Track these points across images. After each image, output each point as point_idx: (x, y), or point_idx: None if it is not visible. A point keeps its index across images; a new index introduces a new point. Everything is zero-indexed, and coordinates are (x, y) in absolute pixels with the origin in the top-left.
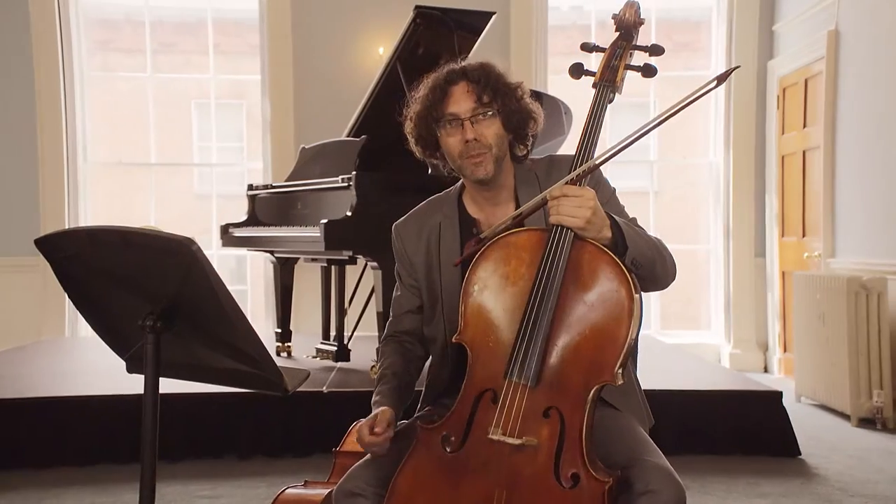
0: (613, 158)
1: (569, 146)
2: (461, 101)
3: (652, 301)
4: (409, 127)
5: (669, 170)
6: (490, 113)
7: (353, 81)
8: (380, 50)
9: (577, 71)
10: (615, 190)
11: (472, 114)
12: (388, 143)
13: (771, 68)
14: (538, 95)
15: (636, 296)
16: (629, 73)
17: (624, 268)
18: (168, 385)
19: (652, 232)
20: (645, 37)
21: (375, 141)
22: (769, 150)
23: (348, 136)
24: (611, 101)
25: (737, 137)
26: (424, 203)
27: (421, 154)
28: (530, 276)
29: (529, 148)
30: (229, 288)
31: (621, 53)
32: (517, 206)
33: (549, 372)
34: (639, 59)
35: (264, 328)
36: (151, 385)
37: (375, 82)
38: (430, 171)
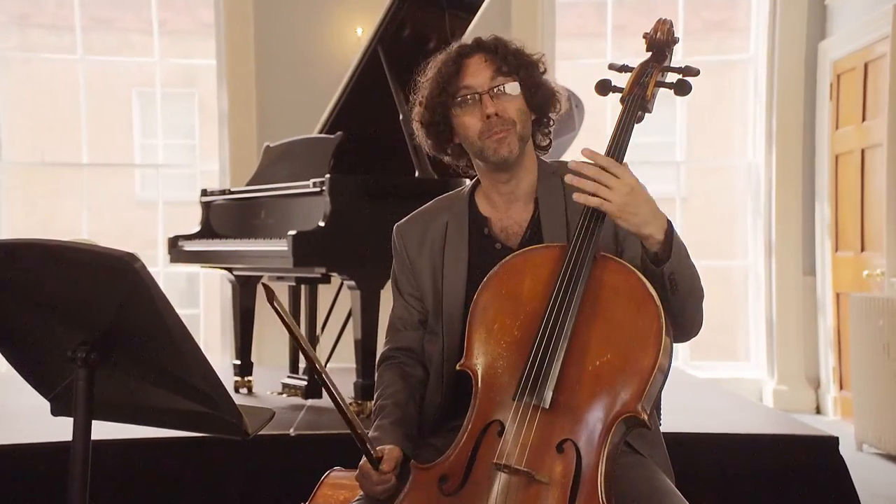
0: (632, 159)
1: (579, 145)
2: (478, 73)
3: None
4: (417, 114)
5: (699, 172)
6: (511, 85)
7: (326, 68)
8: (358, 31)
9: (604, 88)
10: None
11: (491, 85)
12: (369, 141)
13: (823, 50)
14: None
15: (664, 320)
16: (661, 90)
17: (650, 288)
18: (102, 429)
19: None
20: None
21: (353, 138)
22: (820, 147)
23: (321, 132)
24: (640, 121)
25: (781, 133)
26: (431, 202)
27: (432, 148)
28: (546, 296)
29: (551, 137)
30: (179, 312)
31: (651, 73)
32: (536, 209)
33: (566, 396)
34: (672, 76)
35: (220, 360)
36: (82, 429)
37: (353, 69)
38: (417, 173)
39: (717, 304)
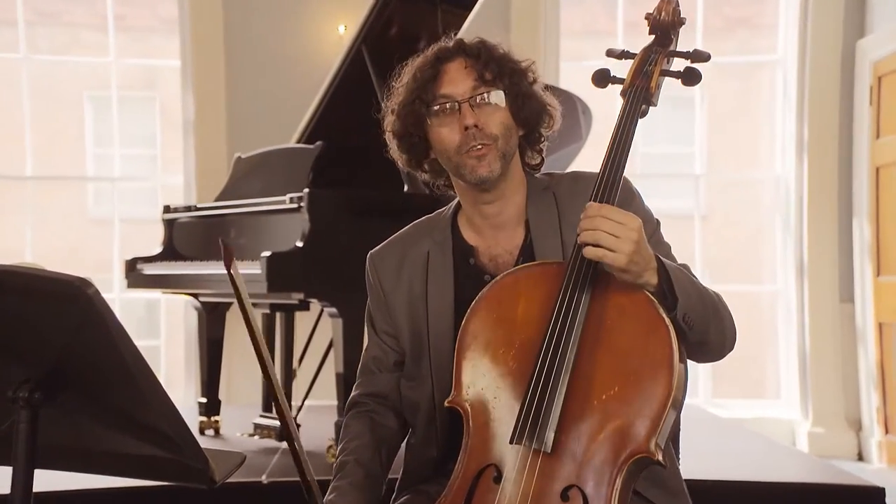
0: (644, 172)
1: (587, 155)
2: (457, 81)
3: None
4: (390, 123)
5: (721, 186)
6: (494, 94)
7: (305, 70)
8: (340, 29)
9: (602, 78)
10: (659, 224)
11: (471, 94)
12: (352, 152)
13: (861, 50)
14: (549, 88)
15: (676, 348)
16: (666, 79)
17: (660, 308)
18: (47, 479)
19: (699, 270)
20: (687, 19)
21: (335, 149)
22: (858, 159)
23: (299, 142)
24: (643, 115)
25: (813, 142)
26: (409, 227)
27: (406, 163)
28: (544, 320)
29: (543, 154)
30: (137, 344)
31: (656, 59)
32: (527, 233)
33: (569, 437)
34: (679, 63)
35: (183, 397)
36: (23, 479)
37: (335, 71)
38: (406, 187)
39: (743, 335)
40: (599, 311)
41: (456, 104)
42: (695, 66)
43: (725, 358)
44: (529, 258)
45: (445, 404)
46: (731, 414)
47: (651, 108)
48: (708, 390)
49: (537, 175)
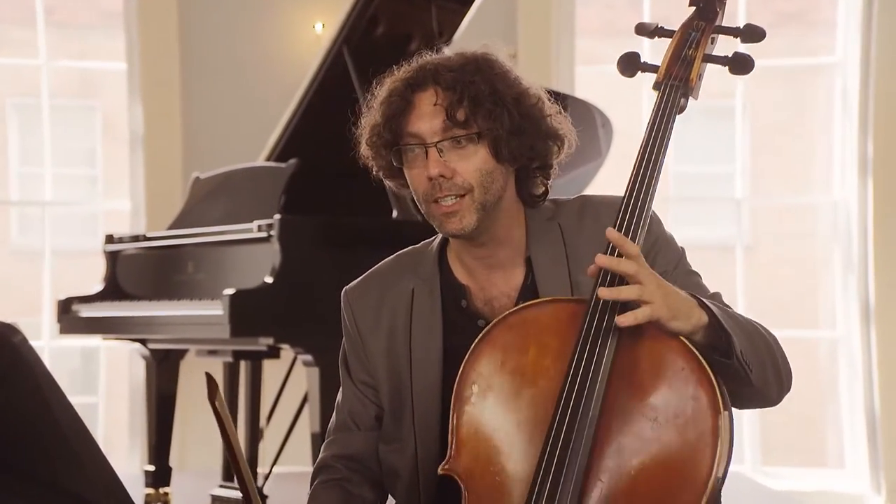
0: (676, 195)
1: (607, 175)
2: (426, 117)
3: (745, 420)
4: (365, 146)
5: (768, 212)
6: (466, 139)
7: (275, 75)
8: (317, 27)
9: (631, 64)
10: (684, 252)
11: (441, 137)
12: (332, 171)
13: None
14: (561, 99)
15: (724, 411)
16: (709, 66)
17: (700, 357)
18: None
19: (741, 310)
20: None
21: (311, 167)
22: None
23: (269, 159)
24: (682, 110)
25: (880, 160)
26: (391, 259)
27: (395, 186)
28: (559, 373)
29: (549, 186)
30: (72, 401)
31: (698, 39)
32: (528, 272)
33: None
34: (724, 47)
35: (126, 465)
36: None
37: (311, 77)
38: (395, 213)
39: (798, 390)
40: (628, 362)
41: (423, 147)
42: (745, 49)
43: (778, 418)
44: (532, 300)
45: (440, 471)
46: (785, 485)
47: (691, 100)
48: (756, 455)
49: (541, 203)
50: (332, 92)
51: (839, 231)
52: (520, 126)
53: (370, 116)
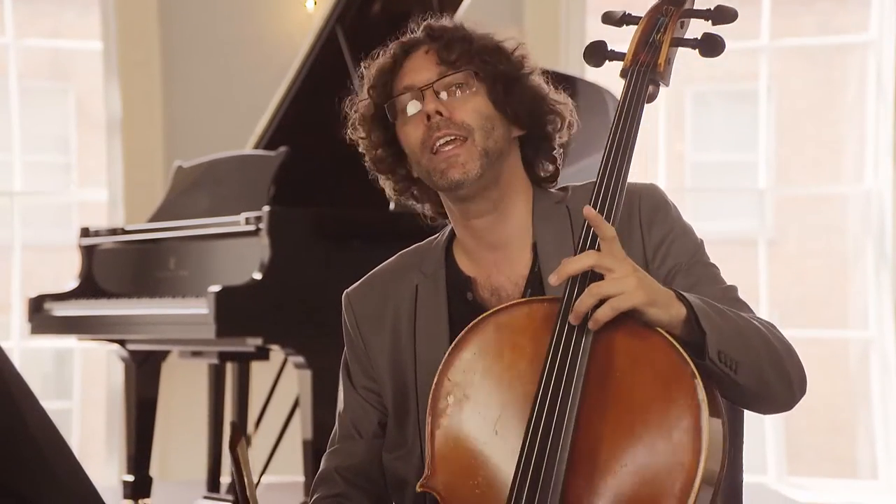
0: (694, 185)
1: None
2: (419, 68)
3: (767, 427)
4: (354, 126)
5: (794, 203)
6: (462, 76)
7: (264, 57)
8: (309, 5)
9: (598, 54)
10: (702, 243)
11: (436, 77)
12: (324, 160)
13: None
14: (570, 81)
15: (709, 410)
16: (734, 49)
17: (683, 353)
18: None
19: (764, 311)
20: None
21: (302, 156)
22: None
23: (257, 147)
24: (651, 99)
25: None
26: (395, 258)
27: (393, 190)
28: (534, 376)
29: (558, 164)
30: (45, 406)
31: (666, 24)
32: (534, 259)
33: None
34: (696, 29)
35: (103, 474)
36: None
37: (302, 59)
38: (392, 204)
39: (826, 395)
40: (604, 361)
41: (419, 93)
42: (715, 33)
43: (804, 423)
44: (538, 290)
45: (418, 487)
46: (812, 498)
47: (663, 87)
48: (781, 465)
49: (550, 189)
50: (325, 75)
51: (871, 224)
52: (517, 77)
53: (362, 93)
